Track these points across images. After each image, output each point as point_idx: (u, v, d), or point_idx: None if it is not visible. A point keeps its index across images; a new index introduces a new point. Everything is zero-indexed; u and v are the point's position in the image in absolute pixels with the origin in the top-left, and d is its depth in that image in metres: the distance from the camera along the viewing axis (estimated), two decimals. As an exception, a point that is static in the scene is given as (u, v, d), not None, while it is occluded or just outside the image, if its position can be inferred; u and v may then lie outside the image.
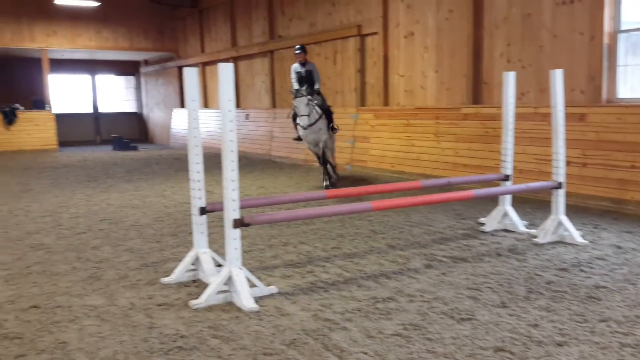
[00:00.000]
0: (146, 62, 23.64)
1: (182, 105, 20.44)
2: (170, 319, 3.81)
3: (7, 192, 9.50)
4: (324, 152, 9.15)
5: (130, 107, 25.29)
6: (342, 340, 3.38)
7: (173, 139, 20.88)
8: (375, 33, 11.84)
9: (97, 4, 18.59)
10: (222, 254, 4.60)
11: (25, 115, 17.64)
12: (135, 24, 19.80)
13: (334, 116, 9.47)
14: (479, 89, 9.78)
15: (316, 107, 8.80)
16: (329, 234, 6.20)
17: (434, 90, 10.65)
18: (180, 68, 20.56)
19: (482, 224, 6.41)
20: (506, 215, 6.21)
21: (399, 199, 5.12)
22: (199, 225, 4.65)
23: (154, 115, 23.76)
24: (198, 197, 4.61)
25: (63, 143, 19.41)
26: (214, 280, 4.18)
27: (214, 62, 18.09)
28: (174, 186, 10.03)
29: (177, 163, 14.19)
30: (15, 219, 7.26)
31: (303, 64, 9.28)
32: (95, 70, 24.12)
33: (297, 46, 9.43)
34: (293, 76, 9.32)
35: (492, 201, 6.72)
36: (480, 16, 9.61)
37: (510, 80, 6.11)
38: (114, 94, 25.04)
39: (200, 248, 4.65)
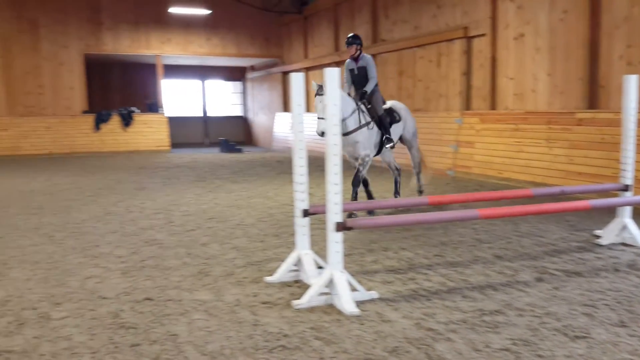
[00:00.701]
0: (252, 68, 24.44)
1: (285, 109, 20.92)
2: (274, 317, 3.87)
3: (124, 190, 10.15)
4: (357, 171, 7.26)
5: (236, 111, 26.26)
6: (447, 352, 3.27)
7: (276, 142, 21.42)
8: (483, 35, 11.47)
9: (208, 12, 19.48)
10: (323, 256, 4.63)
11: (140, 118, 18.82)
12: (243, 31, 20.54)
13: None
14: (595, 93, 9.18)
15: (362, 113, 7.20)
16: (431, 241, 6.06)
17: (546, 93, 10.14)
18: (284, 73, 21.07)
19: (598, 237, 5.99)
20: (625, 228, 5.77)
21: (509, 207, 4.89)
22: (302, 227, 4.70)
23: (258, 119, 24.52)
24: (301, 200, 4.67)
25: (174, 144, 20.48)
26: (316, 282, 4.20)
27: (316, 68, 18.37)
28: (277, 188, 10.27)
29: (280, 166, 14.53)
30: (130, 215, 7.73)
31: (356, 59, 7.51)
32: (205, 76, 25.27)
33: (349, 35, 7.53)
34: (345, 75, 7.57)
35: (610, 213, 6.27)
36: (597, 16, 9.03)
37: (631, 84, 5.67)
38: (222, 99, 26.12)
39: (303, 249, 4.70)
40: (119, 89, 22.54)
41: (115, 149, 18.18)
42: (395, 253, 5.56)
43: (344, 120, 6.87)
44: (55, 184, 10.98)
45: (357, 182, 7.25)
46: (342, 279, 4.06)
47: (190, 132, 24.45)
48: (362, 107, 7.29)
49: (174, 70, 23.35)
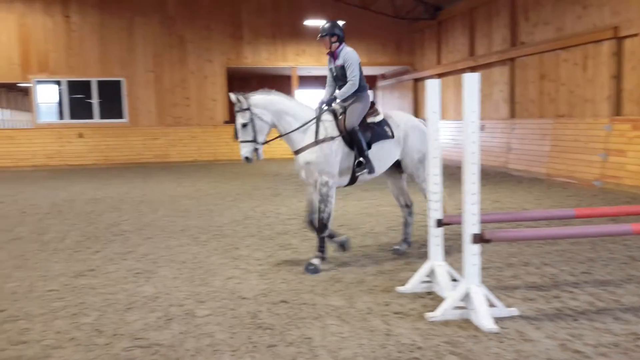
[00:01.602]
0: (383, 76, 24.48)
1: (416, 116, 20.68)
2: (406, 328, 3.81)
3: (260, 196, 10.60)
4: (318, 210, 5.49)
5: (366, 119, 26.44)
6: (597, 378, 3.00)
7: (406, 150, 21.24)
8: (636, 35, 10.52)
9: (342, 22, 19.82)
10: (457, 268, 4.48)
11: (277, 127, 19.60)
12: (374, 40, 20.65)
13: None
14: None
15: (324, 125, 5.52)
16: (577, 256, 5.63)
17: None
18: (415, 81, 20.86)
19: None
20: None
21: (670, 222, 4.40)
22: (435, 237, 4.59)
23: (388, 127, 24.49)
24: (435, 209, 4.56)
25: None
26: (450, 295, 4.07)
27: (450, 74, 17.96)
28: (408, 196, 10.14)
29: (410, 174, 14.37)
30: (267, 220, 8.04)
31: (334, 56, 5.78)
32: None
33: (324, 24, 5.80)
34: (327, 76, 6.03)
35: None
36: None
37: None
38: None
39: (436, 260, 4.58)
40: (257, 100, 23.67)
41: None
42: (537, 268, 5.23)
43: (287, 134, 5.53)
44: (199, 189, 11.74)
45: (321, 225, 5.41)
46: (479, 294, 3.90)
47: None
48: (328, 116, 5.62)
49: (307, 80, 24.06)
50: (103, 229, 7.65)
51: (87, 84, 18.07)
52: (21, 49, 17.50)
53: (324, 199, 5.42)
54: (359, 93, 5.70)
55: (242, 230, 7.34)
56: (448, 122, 17.54)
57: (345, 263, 5.57)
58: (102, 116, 18.23)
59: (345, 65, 5.63)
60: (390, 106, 24.03)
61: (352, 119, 5.56)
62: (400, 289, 4.63)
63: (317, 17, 19.52)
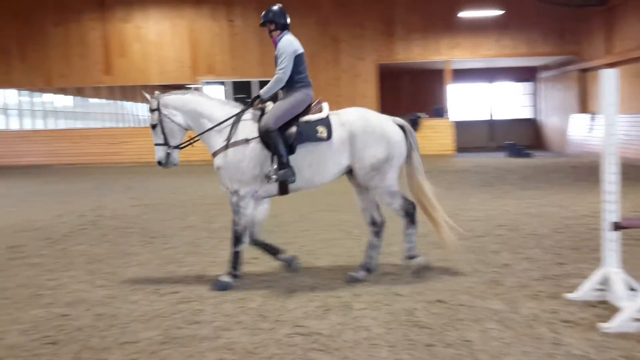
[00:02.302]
0: (546, 67, 23.01)
1: (582, 110, 19.17)
2: (577, 338, 3.53)
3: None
4: (233, 222, 5.05)
5: (525, 113, 25.07)
6: None
7: (570, 146, 19.78)
8: None
9: (500, 12, 18.97)
10: (636, 277, 4.06)
11: (427, 123, 19.29)
12: (534, 29, 19.47)
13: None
14: None
15: (242, 126, 4.97)
16: None
17: None
18: (581, 71, 19.32)
19: None
20: None
21: None
22: (611, 242, 4.19)
23: (549, 122, 23.00)
24: (611, 211, 4.16)
25: (458, 149, 20.49)
26: (628, 306, 3.71)
27: (622, 63, 16.36)
28: (573, 197, 9.42)
29: (575, 172, 13.35)
30: (419, 218, 7.91)
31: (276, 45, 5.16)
32: (493, 78, 24.72)
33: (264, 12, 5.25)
34: None
35: None
36: None
37: None
38: (510, 101, 25.24)
39: (611, 267, 4.19)
40: (408, 96, 23.54)
41: (403, 153, 19.01)
42: None
43: (197, 136, 5.15)
44: (349, 185, 11.90)
45: (234, 239, 4.94)
46: (665, 306, 3.49)
47: (474, 136, 24.18)
48: (248, 115, 5.03)
49: (460, 74, 23.39)
50: (267, 219, 8.05)
51: (248, 84, 19.20)
52: (191, 52, 19.07)
53: (235, 210, 4.93)
54: (293, 90, 5.02)
55: (392, 227, 7.30)
56: (621, 117, 16.01)
57: (505, 265, 5.32)
58: (262, 114, 19.27)
59: (276, 56, 5.04)
60: (552, 98, 22.54)
61: (269, 119, 4.85)
62: (570, 296, 4.30)
63: (473, 8, 18.87)
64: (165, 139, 5.14)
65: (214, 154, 5.05)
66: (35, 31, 19.03)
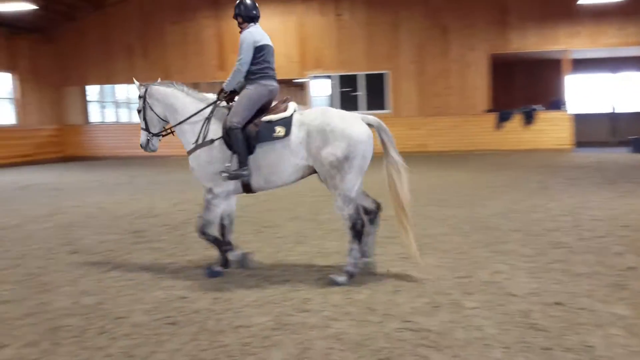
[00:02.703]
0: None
1: None
2: None
3: (525, 188, 10.02)
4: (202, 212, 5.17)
5: (653, 106, 23.15)
6: None
7: None
8: None
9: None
10: None
11: (542, 116, 18.35)
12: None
13: None
14: None
15: (211, 124, 5.04)
16: None
17: None
18: None
19: None
20: None
21: None
22: None
23: (680, 115, 21.07)
24: None
25: (577, 143, 19.31)
26: None
27: None
28: None
29: None
30: (534, 215, 7.56)
31: None
32: (617, 68, 23.00)
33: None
34: None
35: None
36: None
37: None
38: (635, 92, 23.39)
39: None
40: (522, 87, 22.48)
41: (516, 147, 18.19)
42: None
43: (166, 130, 5.39)
44: (458, 180, 11.62)
45: (198, 229, 5.08)
46: None
47: (593, 130, 22.62)
48: (219, 114, 5.06)
49: (580, 64, 21.97)
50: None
51: (354, 78, 19.25)
52: (299, 47, 19.41)
53: (206, 206, 5.01)
54: (251, 82, 5.00)
55: (506, 224, 7.03)
56: None
57: (630, 268, 4.94)
58: (368, 107, 19.23)
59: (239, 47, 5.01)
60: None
61: (231, 117, 4.85)
62: None
63: (596, -6, 17.63)
64: (147, 125, 5.40)
65: (188, 154, 5.16)
66: (155, 30, 20.24)
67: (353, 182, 4.76)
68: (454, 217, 7.58)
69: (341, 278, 4.73)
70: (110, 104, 24.96)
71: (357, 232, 4.79)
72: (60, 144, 21.07)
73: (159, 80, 5.57)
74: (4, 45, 18.82)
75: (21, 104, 19.51)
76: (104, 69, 20.67)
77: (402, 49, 18.88)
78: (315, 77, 19.69)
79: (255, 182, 4.98)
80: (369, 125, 4.91)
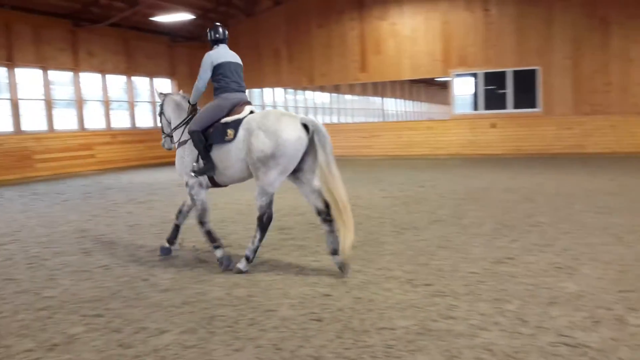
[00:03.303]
0: None
1: None
2: None
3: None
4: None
5: None
6: None
7: None
8: None
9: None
10: None
11: None
12: None
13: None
14: None
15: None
16: None
17: None
18: None
19: None
20: None
21: None
22: None
23: None
24: None
25: None
26: None
27: None
28: None
29: None
30: None
31: None
32: None
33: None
34: None
35: None
36: None
37: None
38: None
39: None
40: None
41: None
42: None
43: (169, 134, 6.30)
44: (621, 184, 10.62)
45: (199, 223, 5.76)
46: None
47: None
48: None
49: None
50: (518, 218, 7.64)
51: (501, 75, 18.42)
52: (443, 45, 18.98)
53: (190, 198, 5.81)
54: (214, 97, 5.76)
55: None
56: None
57: None
58: (516, 106, 18.31)
59: None
60: None
61: (192, 123, 5.68)
62: None
63: None
64: (162, 127, 6.38)
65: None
66: (301, 34, 20.95)
67: (274, 178, 5.25)
68: (618, 225, 6.93)
69: (241, 264, 5.35)
70: (258, 108, 26.26)
71: (263, 224, 5.35)
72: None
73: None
74: (166, 53, 20.60)
75: (180, 107, 21.19)
76: (253, 73, 21.82)
77: (555, 43, 17.68)
78: (459, 75, 19.15)
79: (217, 177, 5.69)
80: (305, 126, 5.22)
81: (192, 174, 5.66)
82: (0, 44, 14.97)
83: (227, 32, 6.12)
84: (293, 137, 5.15)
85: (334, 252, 5.19)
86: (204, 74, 5.81)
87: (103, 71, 18.12)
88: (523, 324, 3.83)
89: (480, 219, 7.72)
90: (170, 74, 20.81)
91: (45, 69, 16.23)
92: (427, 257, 5.74)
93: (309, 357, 3.40)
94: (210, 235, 5.66)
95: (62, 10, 16.56)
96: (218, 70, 5.79)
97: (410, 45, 19.40)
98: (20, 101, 15.49)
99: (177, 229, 6.17)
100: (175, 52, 20.94)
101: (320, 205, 5.29)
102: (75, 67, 17.15)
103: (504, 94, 18.47)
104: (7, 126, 15.29)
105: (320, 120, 31.68)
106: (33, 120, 16.06)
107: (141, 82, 19.99)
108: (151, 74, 20.01)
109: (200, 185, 5.73)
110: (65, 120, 17.14)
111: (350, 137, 20.62)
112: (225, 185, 5.92)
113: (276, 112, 5.43)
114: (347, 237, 5.00)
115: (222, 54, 5.89)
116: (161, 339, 3.77)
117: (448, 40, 18.90)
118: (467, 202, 9.15)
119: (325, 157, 5.11)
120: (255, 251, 5.37)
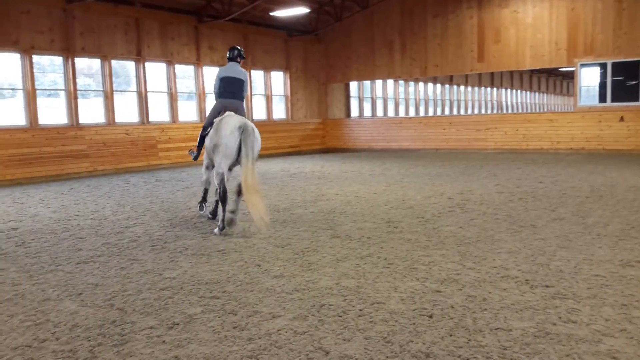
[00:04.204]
0: None
1: None
2: None
3: None
4: None
5: None
6: None
7: None
8: None
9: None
10: None
11: None
12: None
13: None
14: None
15: None
16: None
17: None
18: None
19: None
20: None
21: None
22: None
23: None
24: None
25: None
26: None
27: None
28: None
29: None
30: None
31: None
32: None
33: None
34: None
35: None
36: None
37: None
38: None
39: None
40: None
41: None
42: None
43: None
44: None
45: (217, 192, 7.23)
46: None
47: None
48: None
49: None
50: (649, 219, 7.03)
51: (632, 65, 17.00)
52: (568, 33, 17.84)
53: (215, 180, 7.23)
54: (215, 101, 7.85)
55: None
56: None
57: None
58: (645, 98, 16.86)
59: None
60: None
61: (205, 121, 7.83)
62: None
63: None
64: None
65: None
66: (416, 24, 20.61)
67: (219, 161, 6.97)
68: None
69: (216, 230, 6.96)
70: (368, 99, 26.25)
71: (220, 197, 6.94)
72: (322, 136, 22.93)
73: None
74: (282, 47, 21.14)
75: (291, 100, 21.70)
76: (366, 65, 21.82)
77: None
78: (585, 65, 17.92)
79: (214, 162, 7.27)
80: (240, 126, 6.82)
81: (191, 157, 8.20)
82: (130, 39, 16.13)
83: (241, 52, 7.98)
84: (227, 133, 6.82)
85: (232, 211, 7.00)
86: (215, 83, 7.80)
87: (223, 65, 18.95)
88: (656, 334, 3.51)
89: (605, 218, 7.19)
90: (285, 67, 21.34)
91: (170, 63, 17.26)
92: (546, 257, 5.43)
93: (419, 353, 3.33)
94: (223, 200, 6.92)
95: (187, 7, 17.51)
96: (221, 82, 7.68)
97: (532, 33, 18.44)
98: (147, 93, 16.61)
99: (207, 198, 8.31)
100: (290, 46, 21.43)
101: (239, 182, 6.93)
102: (198, 61, 18.08)
103: (635, 85, 17.03)
104: (134, 117, 16.47)
105: (430, 112, 31.13)
106: (158, 112, 17.16)
107: (258, 76, 20.67)
108: (267, 67, 20.64)
109: (207, 167, 7.90)
110: (187, 112, 18.15)
111: (463, 129, 20.05)
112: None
113: (228, 116, 7.09)
114: (257, 211, 6.53)
115: (227, 70, 7.77)
116: (273, 323, 3.87)
117: (574, 28, 17.74)
118: (591, 200, 8.56)
119: (245, 150, 6.69)
120: (223, 220, 6.87)
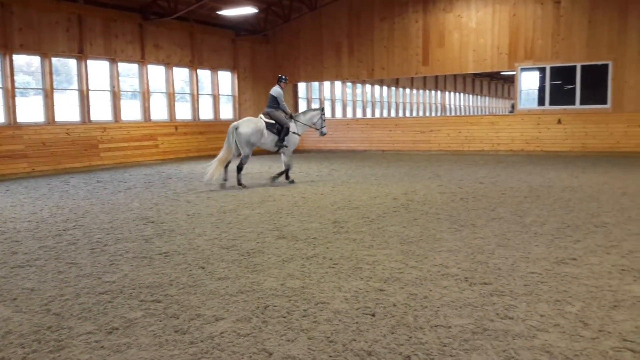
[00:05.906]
0: None
1: None
2: None
3: None
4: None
5: None
6: None
7: None
8: None
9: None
10: None
11: None
12: None
13: None
14: None
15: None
16: None
17: None
18: None
19: None
20: None
21: None
22: None
23: None
24: None
25: None
26: None
27: None
28: None
29: None
30: None
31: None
32: None
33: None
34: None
35: None
36: None
37: None
38: None
39: None
40: None
41: None
42: None
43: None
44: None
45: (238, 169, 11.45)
46: None
47: None
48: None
49: None
50: (582, 218, 7.35)
51: (569, 70, 17.73)
52: (510, 38, 18.42)
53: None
54: None
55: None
56: None
57: None
58: (583, 102, 17.60)
59: None
60: None
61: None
62: None
63: None
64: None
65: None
66: (363, 27, 20.83)
67: (244, 150, 11.17)
68: (689, 228, 6.55)
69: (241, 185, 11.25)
70: (316, 101, 26.33)
71: (239, 169, 11.24)
72: (272, 136, 22.80)
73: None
74: (229, 47, 20.95)
75: (239, 100, 21.54)
76: (314, 67, 21.89)
77: (629, 36, 16.84)
78: (525, 69, 18.56)
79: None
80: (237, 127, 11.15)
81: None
82: (72, 36, 15.64)
83: (281, 77, 11.76)
84: (236, 129, 11.13)
85: (224, 179, 11.24)
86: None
87: (168, 64, 18.62)
88: (585, 327, 3.67)
89: (542, 217, 7.47)
90: (233, 67, 21.16)
91: (113, 61, 16.83)
92: (485, 255, 5.60)
93: (361, 351, 3.38)
94: (240, 169, 11.31)
95: (132, 4, 17.11)
96: (268, 98, 11.74)
97: (475, 37, 18.96)
98: (89, 92, 16.14)
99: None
100: (238, 46, 21.26)
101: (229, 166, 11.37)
102: (142, 60, 17.70)
103: (572, 89, 17.77)
104: (75, 116, 15.97)
105: (376, 114, 31.52)
106: (100, 111, 16.69)
107: (205, 75, 20.41)
108: (214, 67, 20.41)
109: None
110: (131, 111, 17.73)
111: (408, 131, 20.40)
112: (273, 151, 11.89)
113: (247, 119, 11.47)
114: (214, 172, 10.94)
115: (273, 90, 11.56)
116: (216, 326, 3.84)
117: (515, 33, 18.36)
118: (529, 200, 8.87)
119: (229, 144, 11.03)
120: (240, 181, 11.27)
